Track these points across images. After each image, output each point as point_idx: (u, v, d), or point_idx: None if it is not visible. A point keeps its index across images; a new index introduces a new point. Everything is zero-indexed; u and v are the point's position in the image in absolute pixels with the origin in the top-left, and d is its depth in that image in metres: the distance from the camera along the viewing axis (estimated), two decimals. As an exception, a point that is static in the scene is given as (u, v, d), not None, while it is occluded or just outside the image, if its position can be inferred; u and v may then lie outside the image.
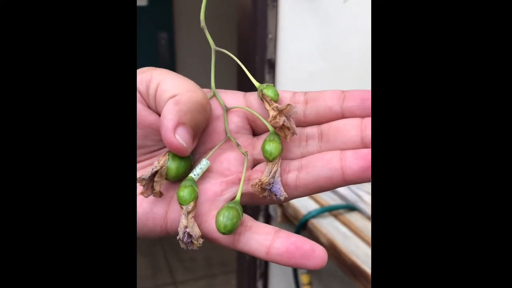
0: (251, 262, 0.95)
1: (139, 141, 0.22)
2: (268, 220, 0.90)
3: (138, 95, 0.21)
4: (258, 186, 0.20)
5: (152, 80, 0.21)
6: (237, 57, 0.83)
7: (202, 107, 0.20)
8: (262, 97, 0.22)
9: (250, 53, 0.75)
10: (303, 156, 0.21)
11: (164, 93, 0.20)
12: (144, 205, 0.21)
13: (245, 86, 0.81)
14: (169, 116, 0.19)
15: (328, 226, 0.70)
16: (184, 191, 0.20)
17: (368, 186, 0.85)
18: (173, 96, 0.20)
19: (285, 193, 0.20)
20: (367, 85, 0.86)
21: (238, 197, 0.21)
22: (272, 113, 0.20)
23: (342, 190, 0.82)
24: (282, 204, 0.81)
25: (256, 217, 0.89)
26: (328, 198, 0.80)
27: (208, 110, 0.21)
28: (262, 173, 0.20)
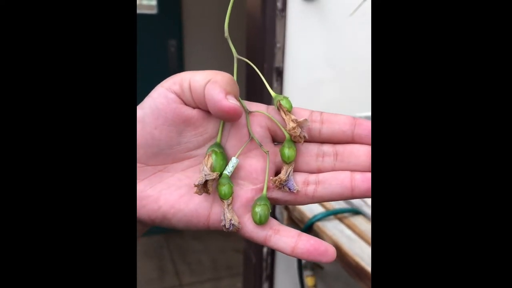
0: (257, 265, 0.97)
1: (174, 139, 0.24)
2: (274, 223, 0.93)
3: (173, 95, 0.24)
4: (278, 182, 0.24)
5: (183, 79, 0.24)
6: (246, 64, 0.84)
7: (233, 82, 0.24)
8: (279, 107, 0.25)
9: (259, 61, 0.78)
10: (319, 170, 0.25)
11: (198, 83, 0.23)
12: (191, 206, 0.25)
13: (252, 94, 0.84)
14: (216, 91, 0.22)
15: (333, 229, 0.72)
16: (225, 188, 0.24)
17: (372, 191, 0.87)
18: (208, 81, 0.23)
19: (297, 187, 0.24)
20: (369, 92, 0.88)
21: (264, 193, 0.25)
22: (291, 124, 0.24)
23: (347, 194, 0.84)
24: (288, 208, 0.84)
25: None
26: (333, 202, 0.82)
27: (237, 85, 0.24)
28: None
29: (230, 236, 2.13)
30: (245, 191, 0.25)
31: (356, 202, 0.81)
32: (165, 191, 0.24)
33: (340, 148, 0.24)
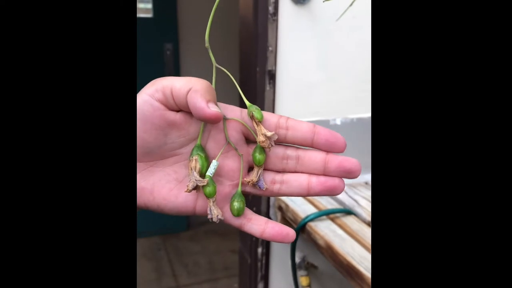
0: (252, 266, 0.98)
1: (161, 140, 0.28)
2: (269, 224, 0.94)
3: (158, 103, 0.27)
4: (250, 183, 0.29)
5: (165, 87, 0.27)
6: (239, 68, 0.86)
7: (212, 88, 0.27)
8: (252, 117, 0.29)
9: (252, 64, 0.79)
10: (283, 169, 0.30)
11: (180, 90, 0.26)
12: (180, 199, 0.29)
13: (247, 97, 0.85)
14: (198, 99, 0.26)
15: (325, 229, 0.74)
16: (209, 189, 0.28)
17: (364, 192, 0.89)
18: (189, 89, 0.26)
19: (266, 186, 0.29)
20: (364, 94, 0.89)
21: (239, 190, 0.30)
22: (261, 138, 0.28)
23: (339, 195, 0.86)
24: (282, 209, 0.85)
25: (257, 221, 0.92)
26: (326, 203, 0.83)
27: (214, 91, 0.28)
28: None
29: (227, 237, 2.13)
30: (224, 187, 0.30)
31: (348, 202, 0.83)
32: (157, 184, 0.29)
33: (301, 152, 0.29)
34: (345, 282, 0.84)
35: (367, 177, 0.97)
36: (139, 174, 0.28)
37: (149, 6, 1.91)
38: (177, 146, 0.28)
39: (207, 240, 2.13)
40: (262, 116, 0.28)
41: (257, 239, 0.95)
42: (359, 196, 0.86)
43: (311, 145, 0.28)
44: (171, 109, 0.27)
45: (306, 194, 0.29)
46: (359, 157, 1.00)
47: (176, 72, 2.02)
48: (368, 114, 0.91)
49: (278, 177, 0.29)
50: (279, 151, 0.29)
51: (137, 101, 0.26)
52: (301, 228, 0.77)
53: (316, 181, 0.28)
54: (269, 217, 0.96)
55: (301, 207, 0.81)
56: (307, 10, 0.77)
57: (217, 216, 0.28)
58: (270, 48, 0.77)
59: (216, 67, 0.30)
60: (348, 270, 0.64)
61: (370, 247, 0.67)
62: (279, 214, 0.87)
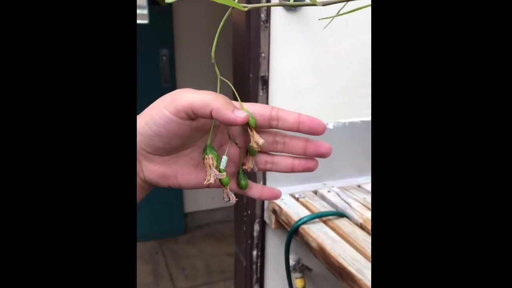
0: (247, 268, 0.99)
1: (185, 141, 0.34)
2: (263, 226, 0.95)
3: (182, 120, 0.32)
4: (248, 168, 0.37)
5: (186, 108, 0.31)
6: (232, 74, 0.88)
7: (226, 98, 0.32)
8: (247, 124, 0.34)
9: (245, 70, 0.81)
10: (274, 151, 0.37)
11: (202, 110, 0.31)
12: (198, 179, 0.37)
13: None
14: (225, 114, 0.31)
15: (318, 231, 0.75)
16: (226, 180, 0.35)
17: (357, 194, 0.90)
18: (211, 110, 0.31)
19: (257, 168, 0.37)
20: (356, 99, 0.91)
21: (241, 171, 0.38)
22: (254, 144, 0.34)
23: (332, 198, 0.87)
24: (276, 212, 0.86)
25: (252, 223, 0.94)
26: (319, 205, 0.84)
27: (227, 98, 0.33)
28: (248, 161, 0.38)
29: (223, 240, 2.14)
30: (229, 167, 0.38)
31: (341, 205, 0.84)
32: (179, 170, 0.36)
33: (287, 139, 0.36)
34: (339, 284, 0.85)
35: (359, 179, 0.98)
36: (165, 165, 0.35)
37: (145, 12, 1.92)
38: (195, 141, 0.36)
39: (204, 244, 2.14)
40: (255, 123, 0.34)
41: (252, 242, 0.96)
42: (352, 198, 0.87)
43: (297, 131, 0.34)
44: (193, 119, 0.33)
45: (291, 171, 0.37)
46: (351, 159, 1.02)
47: (172, 77, 2.04)
48: (359, 118, 0.93)
49: (269, 158, 0.37)
50: (270, 138, 0.36)
51: (161, 118, 0.32)
52: (295, 230, 0.78)
53: (298, 163, 0.37)
54: (263, 220, 0.97)
55: (295, 210, 0.83)
56: (299, 16, 0.78)
57: (234, 198, 0.36)
58: (262, 55, 0.79)
59: (220, 79, 0.35)
60: (339, 271, 0.65)
61: (361, 249, 0.69)
62: (273, 217, 0.88)
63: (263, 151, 0.37)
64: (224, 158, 0.35)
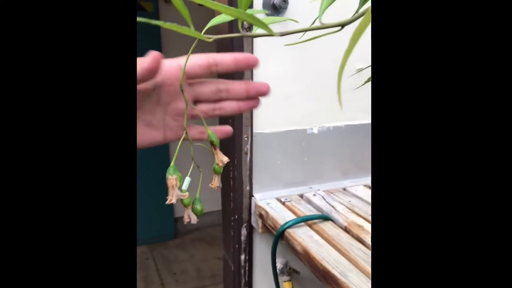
0: (235, 272, 1.00)
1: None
2: (251, 231, 0.96)
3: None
4: (215, 187, 0.38)
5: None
6: (217, 76, 0.87)
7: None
8: (211, 143, 0.37)
9: (229, 77, 0.82)
10: (219, 99, 0.40)
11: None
12: (152, 138, 0.38)
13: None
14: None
15: (303, 235, 0.76)
16: (187, 200, 0.36)
17: (341, 197, 0.91)
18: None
19: (220, 185, 0.39)
20: (337, 104, 0.91)
21: (198, 196, 0.38)
22: (219, 163, 0.36)
23: (318, 202, 0.88)
24: (263, 216, 0.87)
25: (240, 228, 0.94)
26: (304, 209, 0.85)
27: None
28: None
29: (213, 244, 2.14)
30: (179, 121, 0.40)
31: (326, 208, 0.85)
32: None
33: (230, 85, 0.39)
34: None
35: (345, 182, 0.99)
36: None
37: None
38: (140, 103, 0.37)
39: (194, 248, 2.14)
40: (218, 143, 0.37)
41: (239, 246, 0.97)
42: (337, 202, 0.88)
43: (236, 69, 0.37)
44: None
45: (238, 112, 0.40)
46: (337, 163, 1.03)
47: None
48: (343, 122, 0.94)
49: (217, 105, 0.39)
50: (213, 87, 0.39)
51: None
52: (280, 235, 0.79)
53: (243, 103, 0.40)
54: (251, 225, 0.98)
55: (280, 214, 0.83)
56: (282, 24, 0.79)
57: (195, 219, 0.37)
58: (246, 61, 0.79)
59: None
60: (323, 274, 0.66)
61: (345, 252, 0.70)
62: (260, 222, 0.89)
63: (210, 100, 0.39)
64: (187, 180, 0.36)
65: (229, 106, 0.39)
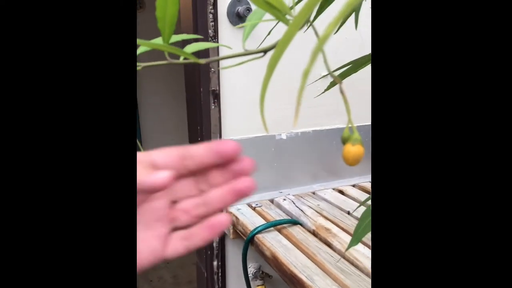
0: (208, 278, 1.00)
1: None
2: (223, 237, 0.96)
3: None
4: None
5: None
6: (185, 88, 0.88)
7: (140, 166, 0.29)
8: None
9: (196, 85, 0.82)
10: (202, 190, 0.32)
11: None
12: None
13: (192, 116, 0.88)
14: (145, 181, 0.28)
15: (272, 240, 0.77)
16: None
17: (310, 201, 0.93)
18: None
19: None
20: (307, 109, 0.93)
21: None
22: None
23: (287, 206, 0.90)
24: (233, 222, 0.88)
25: (211, 235, 0.95)
26: (274, 214, 0.87)
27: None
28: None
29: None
30: (157, 228, 0.31)
31: (295, 212, 0.86)
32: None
33: (210, 177, 0.31)
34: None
35: (314, 186, 1.01)
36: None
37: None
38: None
39: (172, 255, 2.12)
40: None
41: (212, 252, 0.97)
42: (306, 205, 0.90)
43: (213, 160, 0.30)
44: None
45: (229, 203, 0.32)
46: (306, 167, 1.04)
47: (138, 135, 2.16)
48: (311, 128, 0.96)
49: (200, 200, 0.32)
50: (194, 188, 0.31)
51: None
52: (250, 240, 0.80)
53: (230, 194, 0.31)
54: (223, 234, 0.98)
55: (251, 220, 0.84)
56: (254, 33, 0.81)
57: None
58: (212, 69, 0.80)
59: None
60: (291, 278, 0.67)
61: (312, 255, 0.71)
62: (231, 227, 0.90)
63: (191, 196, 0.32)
64: None
65: (216, 197, 0.31)
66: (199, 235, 0.31)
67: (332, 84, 0.53)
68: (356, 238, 0.34)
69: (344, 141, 0.30)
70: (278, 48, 0.19)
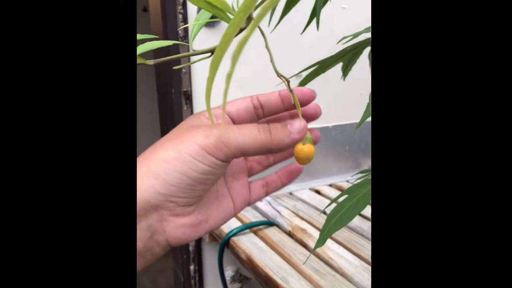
0: (185, 283, 0.99)
1: (208, 189, 0.29)
2: (199, 240, 0.95)
3: (217, 161, 0.28)
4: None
5: (221, 145, 0.29)
6: (156, 89, 0.87)
7: (262, 126, 0.30)
8: None
9: (167, 86, 0.81)
10: (268, 165, 0.36)
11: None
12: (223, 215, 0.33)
13: (164, 115, 0.86)
14: (283, 140, 0.29)
15: (247, 242, 0.76)
16: None
17: (287, 202, 0.92)
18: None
19: None
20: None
21: None
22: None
23: (264, 207, 0.89)
24: (209, 225, 0.86)
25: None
26: (250, 216, 0.86)
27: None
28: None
29: (169, 255, 2.10)
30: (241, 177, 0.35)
31: (271, 213, 0.85)
32: (209, 211, 0.31)
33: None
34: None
35: (292, 187, 1.01)
36: (197, 210, 0.30)
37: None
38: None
39: (151, 260, 2.09)
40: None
41: (188, 256, 0.95)
42: (282, 206, 0.89)
43: (285, 109, 0.32)
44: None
45: (281, 186, 0.36)
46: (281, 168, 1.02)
47: None
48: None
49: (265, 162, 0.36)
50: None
51: (206, 163, 0.27)
52: (225, 243, 0.79)
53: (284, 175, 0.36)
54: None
55: (227, 222, 0.83)
56: (217, 32, 0.80)
57: None
58: (183, 70, 0.79)
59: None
60: (266, 280, 0.66)
61: (287, 256, 0.70)
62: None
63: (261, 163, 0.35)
64: None
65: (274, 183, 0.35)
66: (277, 182, 0.35)
67: (300, 84, 0.52)
68: (322, 238, 0.33)
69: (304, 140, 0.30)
70: (218, 49, 0.18)
